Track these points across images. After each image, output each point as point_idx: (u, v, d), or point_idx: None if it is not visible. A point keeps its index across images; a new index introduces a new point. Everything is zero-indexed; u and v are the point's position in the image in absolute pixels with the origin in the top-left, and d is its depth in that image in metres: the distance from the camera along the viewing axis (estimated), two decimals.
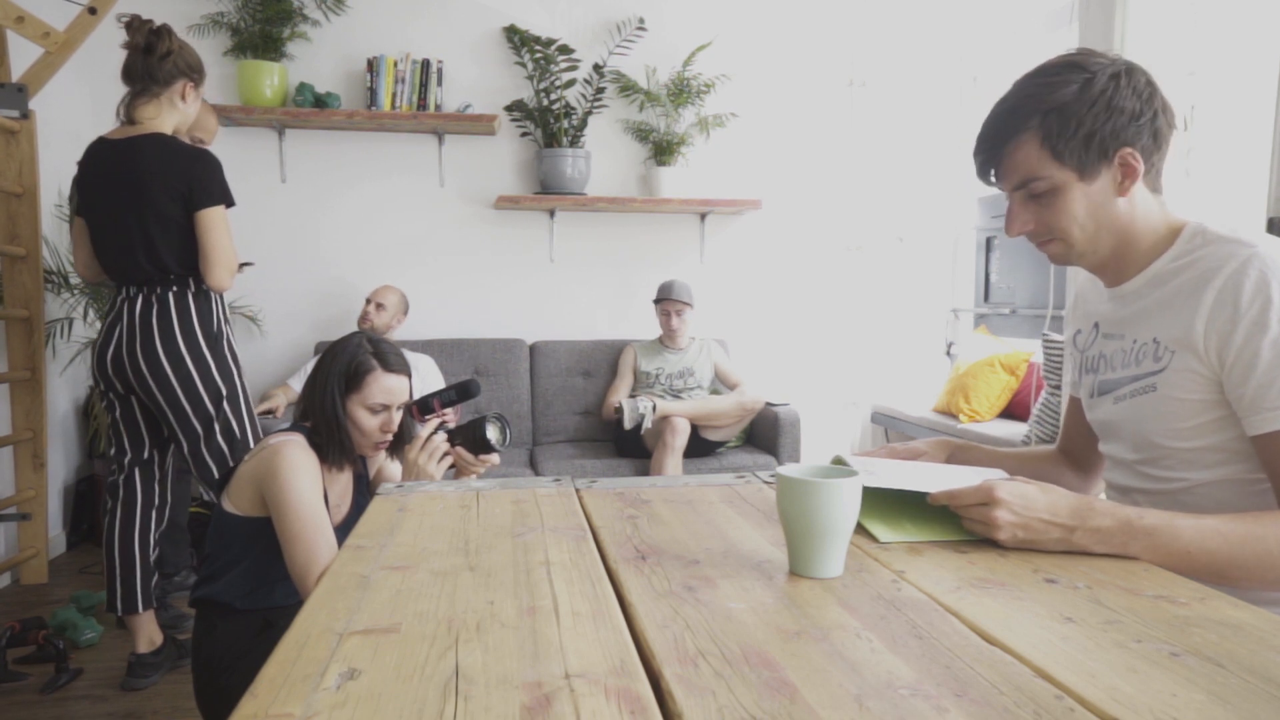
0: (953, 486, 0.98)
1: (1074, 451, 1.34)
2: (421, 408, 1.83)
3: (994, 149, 1.12)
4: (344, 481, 1.77)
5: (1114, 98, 1.04)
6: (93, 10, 2.93)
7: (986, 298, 4.17)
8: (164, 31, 2.19)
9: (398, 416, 1.74)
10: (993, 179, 1.14)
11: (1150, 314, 1.10)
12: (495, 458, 1.79)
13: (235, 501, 1.64)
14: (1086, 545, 0.92)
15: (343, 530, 1.69)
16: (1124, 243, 1.12)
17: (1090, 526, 0.92)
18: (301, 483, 1.57)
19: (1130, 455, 1.15)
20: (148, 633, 2.33)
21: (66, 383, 3.54)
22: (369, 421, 1.71)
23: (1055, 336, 3.08)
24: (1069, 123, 1.06)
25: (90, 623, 2.60)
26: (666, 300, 3.60)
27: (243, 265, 2.51)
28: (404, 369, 1.75)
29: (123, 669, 2.35)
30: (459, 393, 1.86)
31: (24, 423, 3.08)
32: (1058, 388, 3.02)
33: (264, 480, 1.59)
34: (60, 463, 3.47)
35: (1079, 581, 0.84)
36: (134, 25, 2.17)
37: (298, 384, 3.47)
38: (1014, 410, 3.65)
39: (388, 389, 1.71)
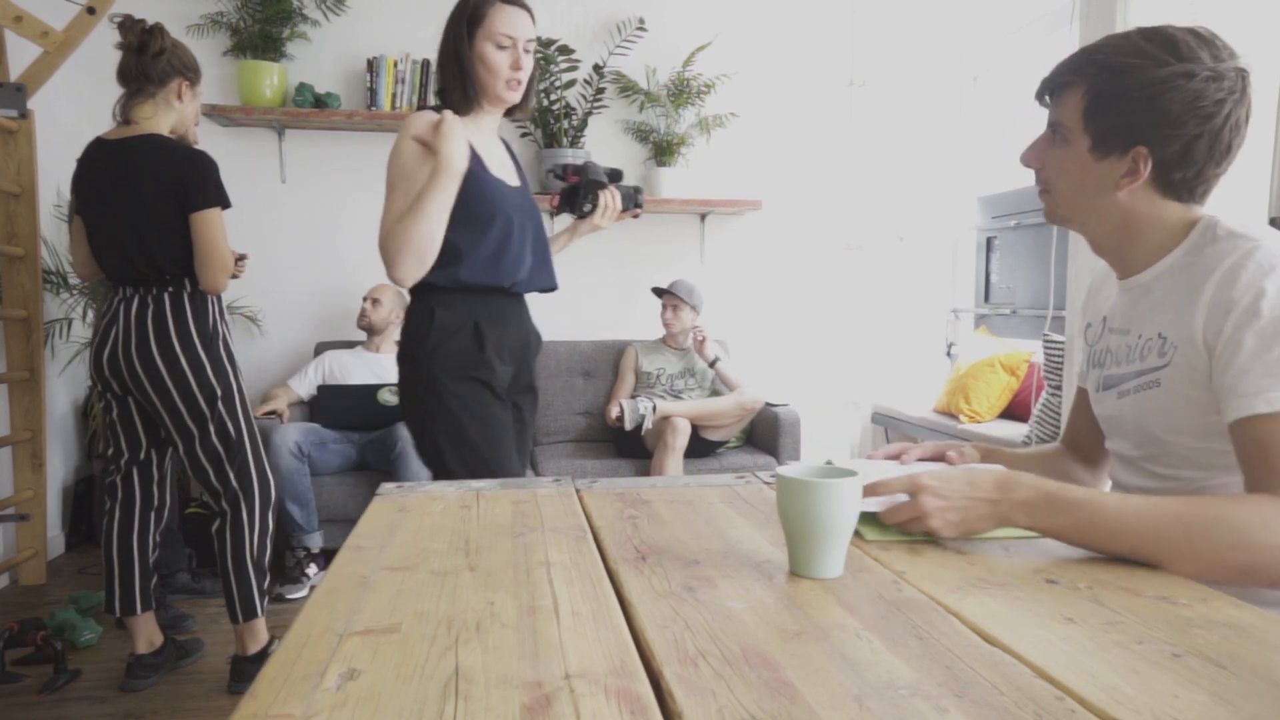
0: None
1: (1080, 445, 1.33)
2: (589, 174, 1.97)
3: (1054, 77, 1.10)
4: (500, 156, 1.85)
5: (1162, 95, 1.00)
6: (91, 10, 2.93)
7: (987, 298, 4.17)
8: (156, 30, 2.18)
9: (527, 59, 1.74)
10: (1047, 102, 1.12)
11: (1157, 309, 1.08)
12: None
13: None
14: (1013, 518, 0.93)
15: (518, 195, 1.82)
16: (1123, 232, 1.10)
17: (1014, 499, 0.92)
18: (407, 143, 1.66)
19: (1134, 451, 1.14)
20: (147, 633, 2.33)
21: (65, 383, 3.54)
22: (496, 58, 1.70)
23: (1055, 337, 3.08)
24: (1112, 95, 1.03)
25: (89, 623, 2.60)
26: (665, 293, 3.62)
27: (239, 259, 2.50)
28: (525, 5, 1.76)
29: (122, 670, 2.35)
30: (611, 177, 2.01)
31: (23, 423, 3.08)
32: (1058, 388, 3.02)
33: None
34: (59, 463, 3.47)
35: (1080, 582, 0.84)
36: (126, 25, 2.17)
37: (298, 384, 3.47)
38: (1014, 411, 3.65)
39: (511, 20, 1.70)
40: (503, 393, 1.83)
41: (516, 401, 1.93)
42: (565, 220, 2.10)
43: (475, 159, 1.74)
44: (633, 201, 2.05)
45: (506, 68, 1.72)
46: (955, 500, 0.94)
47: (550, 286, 1.98)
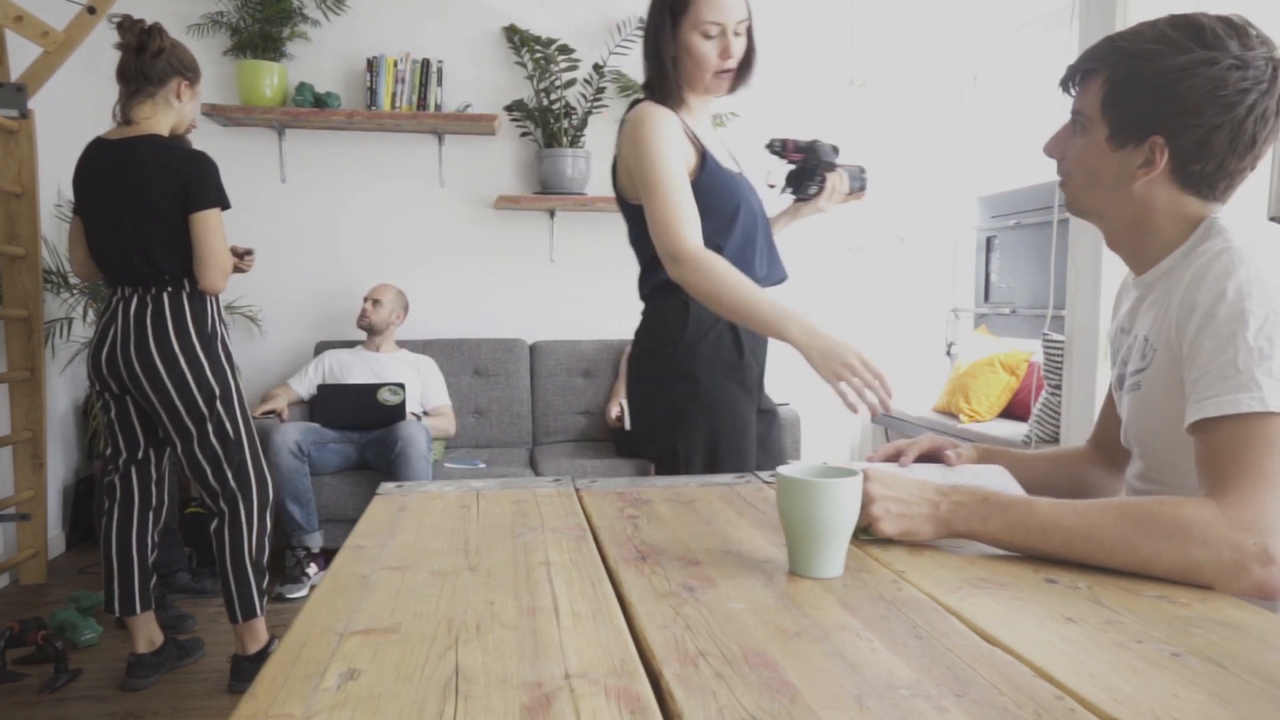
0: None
1: (1104, 444, 1.28)
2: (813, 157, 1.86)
3: (1078, 65, 1.07)
4: (720, 143, 1.74)
5: (1180, 83, 0.97)
6: (92, 10, 2.93)
7: (986, 298, 4.17)
8: (155, 30, 2.18)
9: (738, 43, 1.59)
10: (1072, 91, 1.10)
11: (1149, 310, 1.07)
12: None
13: (626, 190, 1.66)
14: (951, 521, 0.93)
15: (746, 184, 1.70)
16: (1138, 227, 1.07)
17: (952, 500, 0.94)
18: (659, 140, 1.53)
19: (1134, 451, 1.13)
20: (147, 633, 2.33)
21: (66, 383, 3.54)
22: (704, 49, 1.56)
23: (1055, 336, 3.08)
24: (1131, 82, 1.00)
25: (90, 623, 2.60)
26: None
27: (245, 254, 2.49)
28: None
29: (122, 669, 2.35)
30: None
31: (23, 423, 3.08)
32: (1058, 388, 3.02)
33: (629, 151, 1.58)
34: (60, 463, 3.47)
35: (1079, 581, 0.84)
36: (125, 25, 2.17)
37: (298, 384, 3.47)
38: (1014, 410, 3.65)
39: (718, 4, 1.54)
40: (754, 393, 1.72)
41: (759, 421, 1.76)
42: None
43: (707, 149, 1.65)
44: (859, 183, 1.91)
45: (715, 58, 1.58)
46: (900, 494, 0.95)
47: (782, 278, 1.81)
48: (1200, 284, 0.96)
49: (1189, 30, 0.98)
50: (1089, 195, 1.10)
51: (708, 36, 1.56)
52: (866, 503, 0.93)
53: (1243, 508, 0.84)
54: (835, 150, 1.88)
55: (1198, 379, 0.93)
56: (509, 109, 3.85)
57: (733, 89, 1.70)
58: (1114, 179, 1.05)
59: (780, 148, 1.83)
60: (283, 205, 3.84)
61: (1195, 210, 1.04)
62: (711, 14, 1.55)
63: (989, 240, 4.12)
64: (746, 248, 1.66)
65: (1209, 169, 1.01)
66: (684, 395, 1.63)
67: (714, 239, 1.60)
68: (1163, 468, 1.06)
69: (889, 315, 4.31)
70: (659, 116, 1.58)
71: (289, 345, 3.88)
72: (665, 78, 1.62)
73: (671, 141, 1.57)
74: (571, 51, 3.80)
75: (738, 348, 1.67)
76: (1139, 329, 1.09)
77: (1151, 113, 1.00)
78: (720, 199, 1.63)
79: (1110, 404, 1.27)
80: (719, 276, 1.51)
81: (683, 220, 1.54)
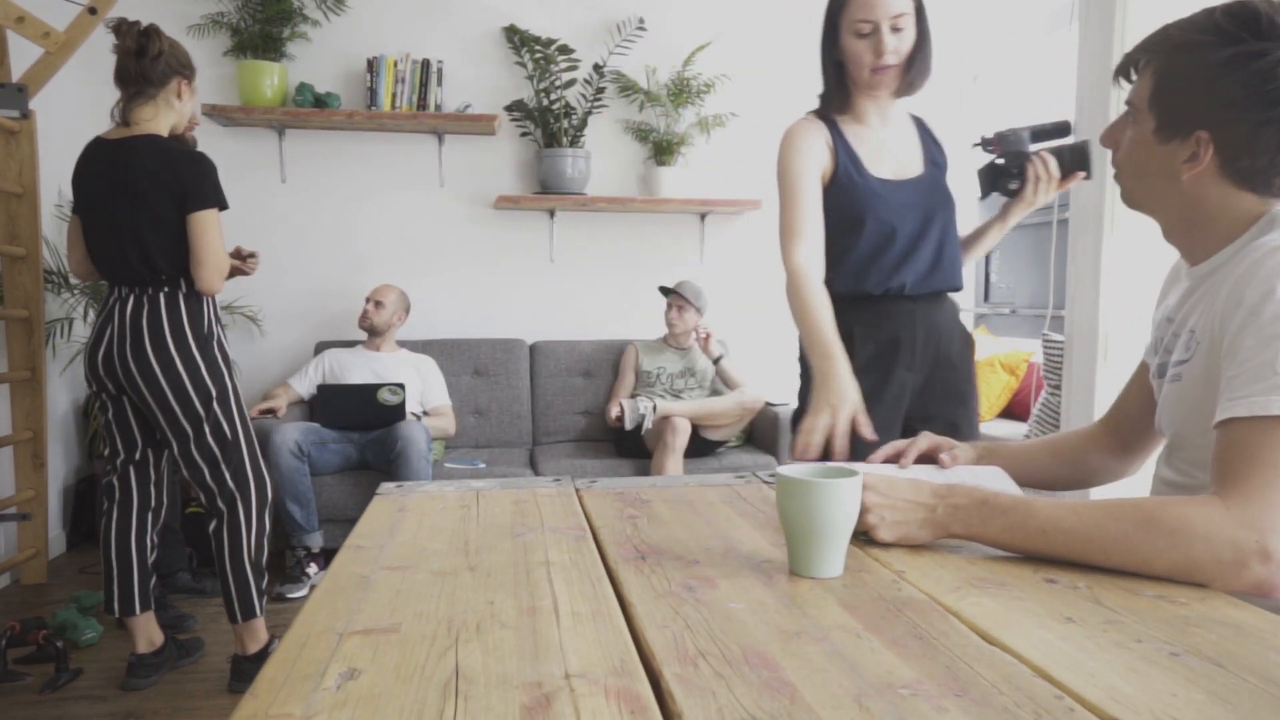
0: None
1: (1120, 427, 1.25)
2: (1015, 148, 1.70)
3: (1132, 54, 1.05)
4: (896, 145, 1.69)
5: (1222, 76, 0.94)
6: (93, 10, 2.93)
7: (986, 298, 4.17)
8: (153, 32, 2.18)
9: (893, 39, 1.55)
10: (1132, 78, 1.07)
11: (1199, 303, 1.04)
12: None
13: None
14: (949, 524, 0.93)
15: (909, 189, 1.65)
16: (1189, 221, 1.05)
17: (949, 503, 0.93)
18: (788, 155, 1.62)
19: (1167, 442, 1.11)
20: (147, 633, 2.33)
21: (66, 383, 3.54)
22: (857, 48, 1.56)
23: (1055, 336, 3.08)
24: (1175, 75, 0.98)
25: (90, 623, 2.60)
26: (672, 293, 3.62)
27: (249, 257, 2.49)
28: None
29: (123, 669, 2.35)
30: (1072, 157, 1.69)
31: (24, 423, 3.08)
32: (1057, 388, 3.02)
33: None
34: (60, 463, 3.47)
35: (1079, 581, 0.84)
36: (122, 29, 2.16)
37: (298, 384, 3.48)
38: (1014, 410, 3.65)
39: (867, 2, 1.53)
40: (883, 399, 1.64)
41: (934, 413, 1.71)
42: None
43: (848, 159, 1.63)
44: (1076, 162, 1.67)
45: (870, 56, 1.57)
46: (896, 501, 0.94)
47: (952, 286, 1.75)
48: (1250, 280, 0.93)
49: (1244, 19, 0.94)
50: (1138, 188, 1.08)
51: (861, 35, 1.57)
52: (862, 511, 0.92)
53: (1248, 506, 0.84)
54: (1050, 130, 1.70)
55: (1233, 377, 0.91)
56: (509, 109, 3.85)
57: (905, 87, 1.67)
58: (1160, 173, 1.03)
59: (987, 145, 1.74)
60: (283, 205, 3.84)
61: (1252, 205, 1.00)
62: (861, 12, 1.55)
63: None
64: (876, 259, 1.64)
65: (1260, 165, 0.97)
66: (805, 389, 1.66)
67: (838, 249, 1.64)
68: (1196, 462, 1.04)
69: None
70: (796, 131, 1.66)
71: (289, 345, 3.89)
72: (826, 83, 1.68)
73: (803, 156, 1.62)
74: (571, 51, 3.80)
75: (850, 359, 1.62)
76: (1187, 320, 1.07)
77: (1195, 107, 0.97)
78: (843, 211, 1.64)
79: (1135, 387, 1.24)
80: (799, 293, 1.57)
81: (794, 235, 1.60)
